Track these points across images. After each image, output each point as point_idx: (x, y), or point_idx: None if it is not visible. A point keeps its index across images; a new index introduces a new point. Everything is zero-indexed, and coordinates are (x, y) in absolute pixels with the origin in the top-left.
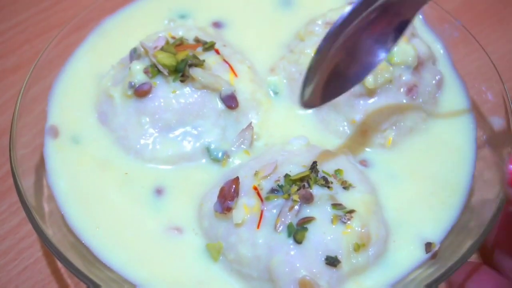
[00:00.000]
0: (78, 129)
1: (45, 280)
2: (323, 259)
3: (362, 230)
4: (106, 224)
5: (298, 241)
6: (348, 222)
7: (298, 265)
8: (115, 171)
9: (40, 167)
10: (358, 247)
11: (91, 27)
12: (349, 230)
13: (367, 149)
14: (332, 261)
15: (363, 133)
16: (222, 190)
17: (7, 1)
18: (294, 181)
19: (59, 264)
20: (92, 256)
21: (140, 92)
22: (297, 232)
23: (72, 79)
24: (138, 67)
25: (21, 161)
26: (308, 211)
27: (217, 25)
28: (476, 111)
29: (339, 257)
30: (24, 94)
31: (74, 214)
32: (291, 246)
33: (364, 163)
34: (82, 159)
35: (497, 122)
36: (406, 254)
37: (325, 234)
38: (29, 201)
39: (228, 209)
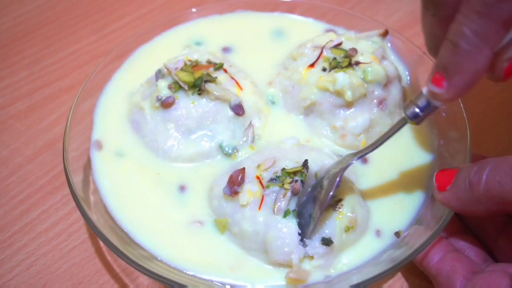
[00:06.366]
0: (116, 136)
1: (90, 257)
2: (319, 239)
3: (352, 215)
4: (140, 214)
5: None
6: (340, 209)
7: (287, 240)
8: (148, 172)
9: (87, 167)
10: (348, 229)
11: (128, 55)
12: (341, 216)
13: (346, 150)
14: (326, 242)
15: (342, 137)
16: (231, 178)
17: (64, 33)
18: (289, 174)
19: (101, 244)
20: (128, 238)
21: (166, 104)
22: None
23: (112, 96)
24: (163, 84)
25: (72, 162)
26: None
27: (226, 50)
28: (434, 120)
29: (333, 238)
30: (75, 108)
31: (114, 205)
32: (283, 225)
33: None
34: (119, 159)
35: (453, 132)
36: (379, 241)
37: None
38: (78, 193)
39: (236, 193)
